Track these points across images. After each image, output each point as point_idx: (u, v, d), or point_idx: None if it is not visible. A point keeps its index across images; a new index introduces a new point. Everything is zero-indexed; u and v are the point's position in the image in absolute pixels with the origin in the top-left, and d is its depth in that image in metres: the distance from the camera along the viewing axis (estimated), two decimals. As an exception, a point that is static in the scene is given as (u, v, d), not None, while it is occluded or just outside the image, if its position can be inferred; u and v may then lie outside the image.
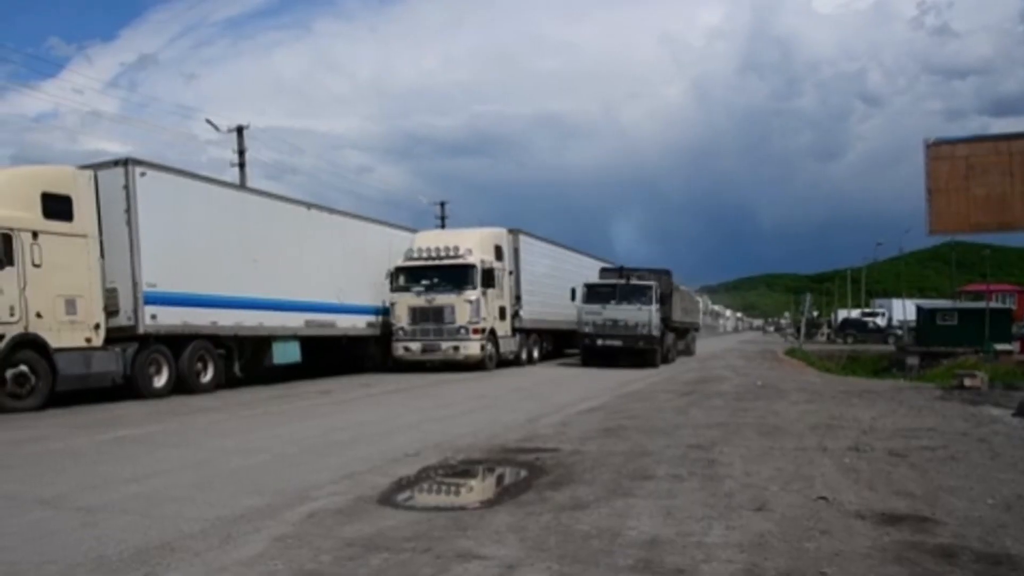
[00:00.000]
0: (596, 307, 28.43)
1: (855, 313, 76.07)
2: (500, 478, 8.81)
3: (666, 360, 30.46)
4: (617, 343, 27.96)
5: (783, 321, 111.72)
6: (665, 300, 30.04)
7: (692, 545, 5.69)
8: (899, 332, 58.53)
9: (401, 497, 7.58)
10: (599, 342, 28.29)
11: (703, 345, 51.14)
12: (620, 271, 30.46)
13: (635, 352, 28.15)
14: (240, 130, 37.80)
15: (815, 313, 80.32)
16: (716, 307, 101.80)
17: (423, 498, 7.87)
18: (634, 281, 28.98)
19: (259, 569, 5.24)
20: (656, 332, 28.28)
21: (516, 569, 5.17)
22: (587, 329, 28.41)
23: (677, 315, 34.00)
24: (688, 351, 38.80)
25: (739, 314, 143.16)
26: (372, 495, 7.50)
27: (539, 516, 6.58)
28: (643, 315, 27.97)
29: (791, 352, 43.76)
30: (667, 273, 32.11)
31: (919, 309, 51.86)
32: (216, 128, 37.64)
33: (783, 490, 7.50)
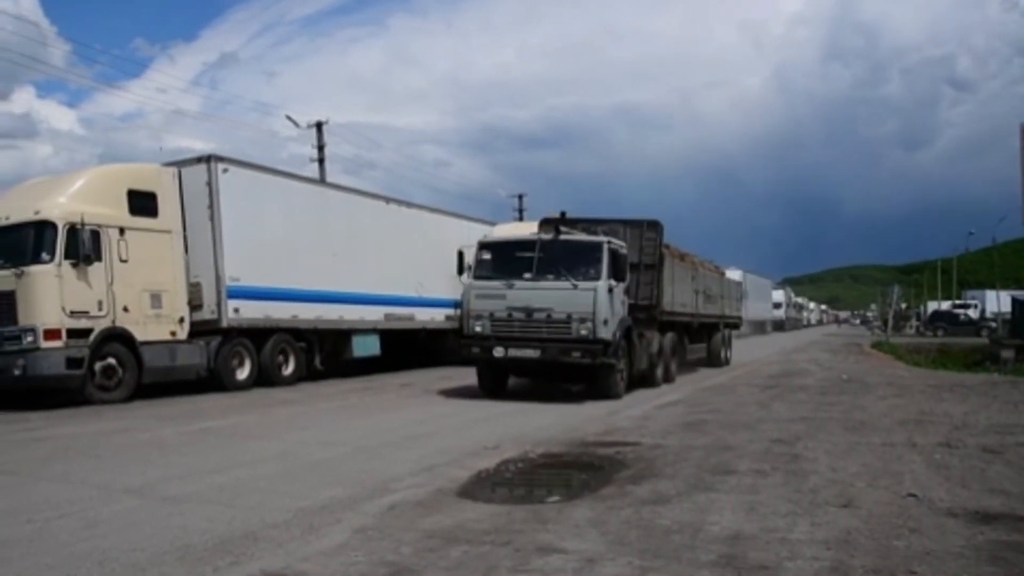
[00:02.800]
0: (497, 286, 15.56)
1: (945, 305, 73.99)
2: (580, 471, 8.76)
3: (649, 381, 18.02)
4: (532, 353, 15.11)
5: (869, 314, 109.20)
6: (644, 273, 17.87)
7: (776, 541, 5.57)
8: (993, 324, 56.75)
9: (480, 490, 7.59)
10: (501, 352, 15.30)
11: (784, 340, 50.26)
12: (553, 223, 16.82)
13: (570, 370, 15.65)
14: (319, 126, 38.36)
15: (903, 305, 78.35)
16: (799, 300, 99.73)
17: (502, 491, 7.86)
18: (568, 236, 16.06)
19: (340, 560, 5.29)
20: (608, 332, 15.11)
21: (597, 563, 5.13)
22: (479, 327, 15.54)
23: (680, 298, 20.54)
24: (716, 359, 25.60)
25: (823, 307, 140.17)
26: (452, 487, 7.53)
27: (620, 510, 6.53)
28: (581, 300, 14.97)
29: (878, 345, 42.72)
30: (652, 227, 18.30)
31: (1014, 301, 50.04)
32: (296, 124, 38.25)
33: (870, 486, 7.31)
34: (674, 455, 9.01)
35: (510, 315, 15.08)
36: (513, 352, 15.01)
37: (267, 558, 5.37)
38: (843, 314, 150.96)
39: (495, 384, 16.48)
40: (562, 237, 15.52)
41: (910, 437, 10.09)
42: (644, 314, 17.49)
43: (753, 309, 56.93)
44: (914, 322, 75.27)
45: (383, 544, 5.65)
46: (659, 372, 18.58)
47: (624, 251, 16.00)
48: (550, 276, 15.10)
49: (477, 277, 15.74)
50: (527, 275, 15.22)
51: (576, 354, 14.59)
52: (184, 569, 5.19)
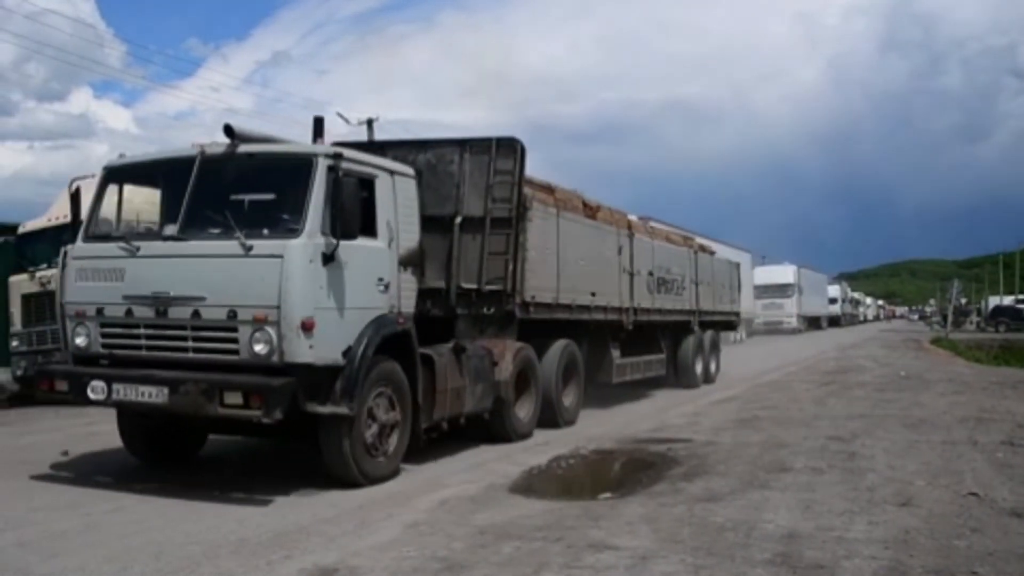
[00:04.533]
0: (113, 254, 7.68)
1: (1008, 300, 72.29)
2: (632, 468, 8.70)
3: (497, 433, 10.16)
4: (154, 396, 7.13)
5: (928, 309, 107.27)
6: (493, 236, 9.96)
7: (832, 540, 5.49)
8: (1057, 320, 55.30)
9: (532, 486, 7.58)
10: (102, 391, 7.32)
11: (841, 336, 49.62)
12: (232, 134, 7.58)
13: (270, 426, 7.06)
14: (370, 123, 38.48)
15: (963, 300, 76.69)
16: (856, 295, 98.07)
17: (554, 487, 7.84)
18: (254, 148, 7.67)
19: (392, 555, 5.31)
20: (324, 348, 7.17)
21: (649, 560, 5.09)
22: (80, 340, 7.79)
23: (581, 281, 12.17)
24: (688, 375, 17.12)
25: (880, 302, 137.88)
26: (503, 483, 7.54)
27: (672, 507, 6.48)
28: (256, 278, 7.12)
29: (937, 341, 41.86)
30: (507, 150, 10.07)
31: (1079, 295, 48.86)
32: (347, 121, 38.38)
33: (930, 485, 7.16)
34: (727, 452, 8.93)
35: (129, 312, 7.49)
36: (124, 391, 7.20)
37: (319, 552, 5.42)
38: (900, 309, 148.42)
39: (152, 447, 8.57)
40: (243, 150, 7.55)
41: (971, 435, 9.88)
42: (490, 307, 9.97)
43: (808, 304, 56.25)
44: (975, 317, 73.67)
45: (435, 539, 5.67)
46: (518, 418, 10.30)
47: (383, 175, 8.20)
48: (212, 230, 7.44)
49: (89, 238, 8.02)
50: (169, 229, 7.55)
51: (234, 398, 6.81)
52: (238, 562, 5.26)
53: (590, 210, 12.87)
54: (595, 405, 12.91)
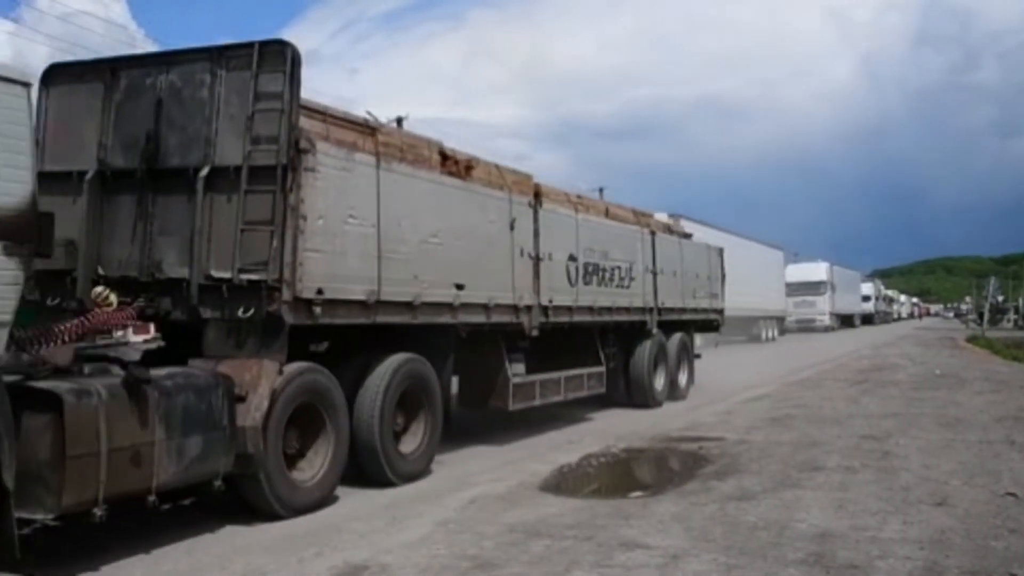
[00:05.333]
0: None
1: (1046, 297, 71.29)
2: (663, 466, 8.68)
3: None
4: None
5: (964, 307, 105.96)
6: (254, 197, 6.61)
7: (866, 540, 5.42)
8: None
9: (562, 484, 7.57)
10: None
11: (874, 334, 49.16)
12: None
13: None
14: (399, 121, 38.67)
15: (1000, 298, 75.70)
16: (889, 292, 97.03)
17: (584, 486, 7.83)
18: None
19: (422, 552, 5.32)
20: None
21: (681, 560, 5.06)
22: None
23: (428, 269, 8.15)
24: (642, 391, 13.45)
25: (914, 299, 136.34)
26: (533, 481, 7.53)
27: (704, 506, 6.44)
28: None
29: (973, 339, 41.36)
30: (270, 62, 6.73)
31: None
32: (376, 120, 38.74)
33: (966, 485, 7.07)
34: (759, 451, 8.86)
35: None
36: None
37: (350, 550, 5.44)
38: (935, 307, 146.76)
39: None
40: None
41: (1008, 434, 9.74)
42: (247, 308, 6.52)
43: (841, 302, 55.81)
44: (1012, 315, 72.69)
45: (465, 537, 5.67)
46: (292, 482, 6.65)
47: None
48: None
49: None
50: None
51: None
52: (269, 559, 5.29)
53: (454, 165, 9.18)
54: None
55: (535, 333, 10.06)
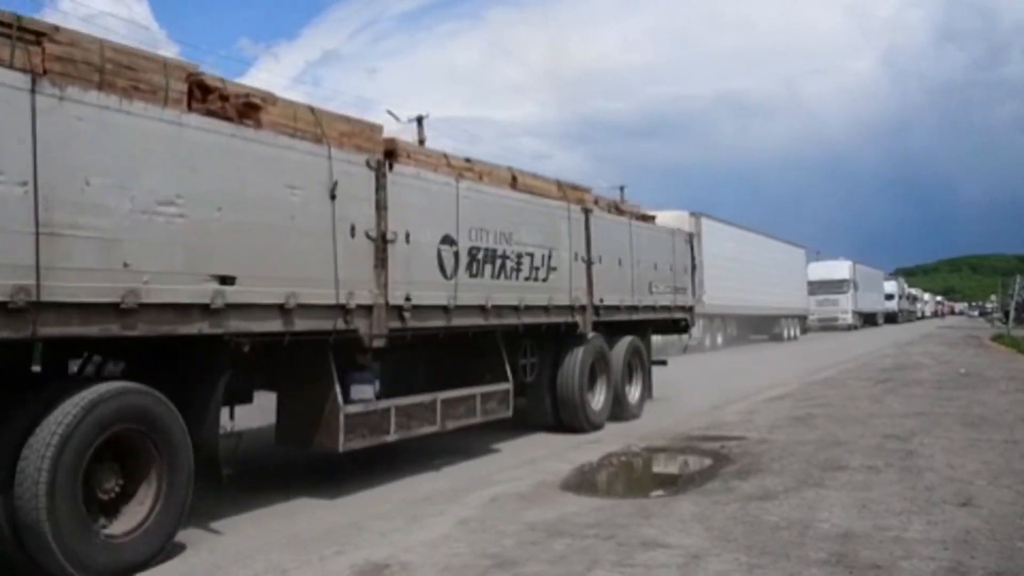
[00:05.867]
0: None
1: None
2: (684, 466, 8.64)
3: None
4: None
5: (988, 305, 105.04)
6: None
7: (889, 540, 5.38)
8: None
9: (583, 483, 7.56)
10: None
11: (897, 332, 48.85)
12: None
13: None
14: (420, 120, 38.91)
15: (1025, 296, 74.95)
16: (913, 291, 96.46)
17: (605, 485, 7.82)
18: None
19: (443, 551, 5.32)
20: None
21: (701, 559, 5.03)
22: None
23: None
24: (571, 410, 10.62)
25: (938, 298, 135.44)
26: (554, 480, 7.52)
27: (725, 506, 6.41)
28: None
29: (998, 338, 40.97)
30: None
31: None
32: (397, 119, 38.78)
33: (991, 485, 7.00)
34: (781, 450, 8.81)
35: None
36: None
37: (371, 548, 5.45)
38: (959, 305, 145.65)
39: None
40: None
41: (1034, 434, 9.64)
42: None
43: (864, 301, 55.53)
44: (1037, 314, 71.99)
45: (485, 536, 5.67)
46: None
47: None
48: None
49: None
50: None
51: None
52: (291, 557, 5.31)
53: (221, 102, 6.36)
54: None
55: (380, 344, 7.31)
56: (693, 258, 14.97)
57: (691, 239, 15.07)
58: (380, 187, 7.32)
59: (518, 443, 9.61)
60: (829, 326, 49.53)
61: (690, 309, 14.62)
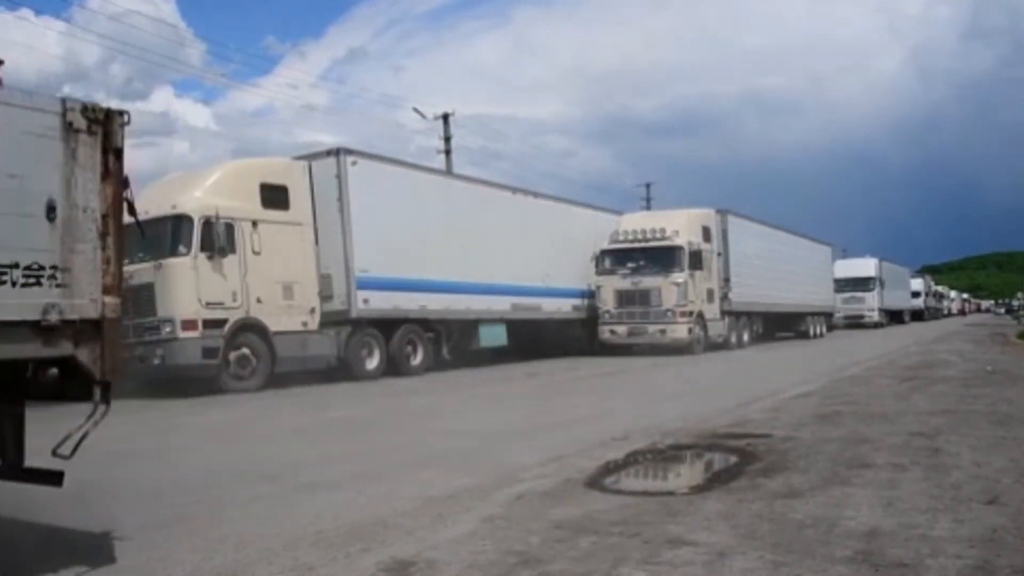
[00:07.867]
0: None
1: (1100, 293, 69.75)
2: (710, 464, 8.64)
3: None
4: None
5: (1015, 302, 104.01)
6: None
7: (916, 538, 5.36)
8: None
9: (609, 481, 7.57)
10: None
11: (923, 330, 48.47)
12: None
13: None
14: (446, 118, 39.04)
15: (1053, 293, 74.12)
16: (940, 288, 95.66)
17: (631, 482, 7.82)
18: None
19: (469, 548, 5.35)
20: None
21: (727, 557, 5.04)
22: None
23: None
24: None
25: (965, 295, 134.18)
26: (580, 478, 7.53)
27: (751, 503, 6.41)
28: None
29: (1025, 335, 40.63)
30: None
31: None
32: (423, 116, 38.99)
33: (1018, 483, 6.95)
34: (807, 448, 8.79)
35: None
36: None
37: (397, 545, 5.49)
38: (986, 303, 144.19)
39: None
40: None
41: (1062, 432, 9.56)
42: None
43: (890, 298, 55.18)
44: (1066, 311, 71.22)
45: (511, 533, 5.70)
46: None
47: None
48: None
49: None
50: None
51: None
52: (317, 554, 5.35)
53: None
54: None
55: None
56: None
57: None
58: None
59: (543, 441, 9.63)
60: (855, 324, 49.26)
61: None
